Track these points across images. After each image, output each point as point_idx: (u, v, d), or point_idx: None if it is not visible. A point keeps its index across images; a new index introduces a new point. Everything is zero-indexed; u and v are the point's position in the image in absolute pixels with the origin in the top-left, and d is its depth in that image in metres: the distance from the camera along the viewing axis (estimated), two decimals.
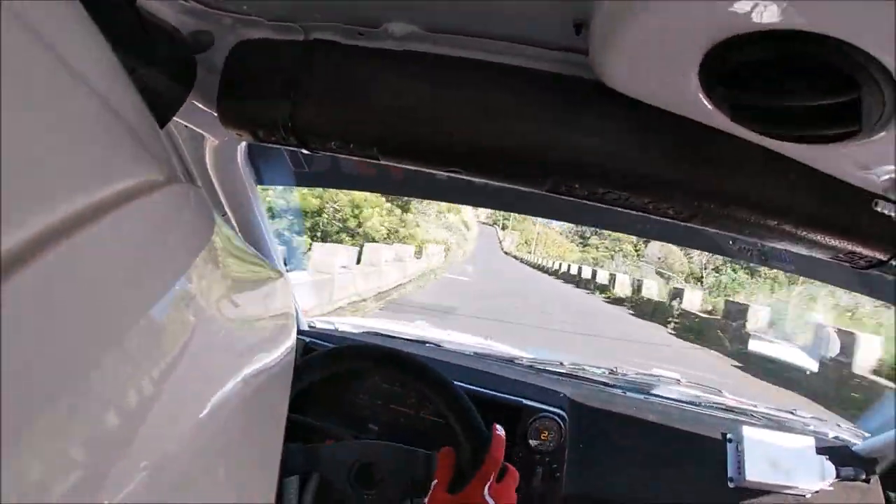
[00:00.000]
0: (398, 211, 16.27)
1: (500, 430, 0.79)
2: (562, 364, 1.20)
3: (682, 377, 1.24)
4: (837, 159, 0.47)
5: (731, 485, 0.95)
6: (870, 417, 1.12)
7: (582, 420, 1.02)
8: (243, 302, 0.34)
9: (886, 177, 0.47)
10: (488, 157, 0.52)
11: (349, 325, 1.28)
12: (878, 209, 0.49)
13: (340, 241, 12.45)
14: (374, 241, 13.14)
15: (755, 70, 0.39)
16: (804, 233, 0.50)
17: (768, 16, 0.33)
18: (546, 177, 0.52)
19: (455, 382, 0.84)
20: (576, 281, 20.77)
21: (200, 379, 0.23)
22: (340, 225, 13.89)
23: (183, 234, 0.26)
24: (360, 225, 14.26)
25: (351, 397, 1.07)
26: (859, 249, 0.52)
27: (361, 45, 0.56)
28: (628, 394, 1.12)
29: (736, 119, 0.42)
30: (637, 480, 0.98)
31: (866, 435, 1.05)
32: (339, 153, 0.57)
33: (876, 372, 6.63)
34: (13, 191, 0.14)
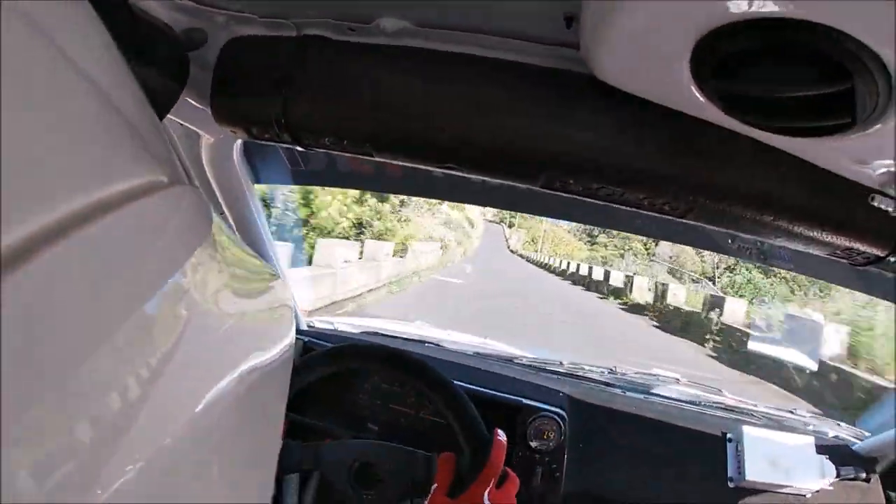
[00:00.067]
0: (373, 201, 12.82)
1: (501, 435, 0.79)
2: (561, 363, 1.20)
3: (681, 376, 1.23)
4: (832, 153, 0.46)
5: (730, 484, 0.94)
6: (870, 417, 1.12)
7: (581, 419, 1.02)
8: (240, 301, 0.34)
9: (883, 171, 0.46)
10: (482, 152, 0.52)
11: (348, 324, 1.28)
12: (875, 204, 0.49)
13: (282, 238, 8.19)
14: (330, 235, 10.54)
15: (746, 61, 0.38)
16: (800, 228, 0.50)
17: (758, 4, 0.33)
18: (540, 172, 0.52)
19: (455, 382, 0.84)
20: (585, 282, 18.85)
21: (196, 377, 0.24)
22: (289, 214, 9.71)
23: (181, 236, 0.26)
24: (312, 215, 10.88)
25: (350, 397, 1.07)
26: (857, 245, 0.51)
27: (353, 40, 0.56)
28: (628, 393, 1.11)
29: (728, 111, 0.41)
30: (636, 480, 0.97)
31: (866, 434, 1.04)
32: (333, 150, 0.57)
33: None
34: (14, 189, 0.14)
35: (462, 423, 0.80)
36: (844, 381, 6.58)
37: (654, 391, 1.15)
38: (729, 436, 0.99)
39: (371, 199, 12.61)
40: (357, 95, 0.53)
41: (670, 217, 0.53)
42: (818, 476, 0.92)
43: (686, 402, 1.12)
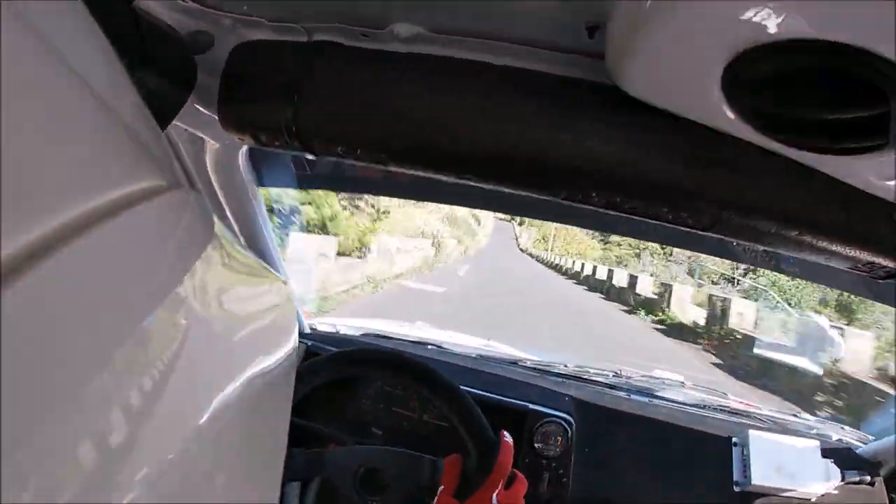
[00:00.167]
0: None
1: (508, 437, 0.78)
2: (566, 366, 1.20)
3: (686, 379, 1.23)
4: (860, 170, 0.46)
5: (736, 489, 0.94)
6: (874, 421, 1.12)
7: (587, 422, 1.02)
8: (242, 306, 0.34)
9: None
10: (502, 164, 0.50)
11: (350, 326, 1.27)
12: None
13: None
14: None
15: (779, 80, 0.37)
16: (824, 244, 0.49)
17: (793, 25, 0.32)
18: (563, 185, 0.51)
19: (459, 386, 0.83)
20: (604, 290, 14.88)
21: (200, 384, 0.24)
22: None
23: (183, 241, 0.26)
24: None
25: (353, 401, 1.06)
26: (879, 260, 0.51)
27: (367, 46, 0.54)
28: (633, 396, 1.11)
29: (760, 129, 0.40)
30: (642, 484, 0.97)
31: (870, 438, 1.05)
32: (346, 159, 0.56)
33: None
34: (11, 196, 0.13)
35: (468, 426, 0.80)
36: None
37: (658, 394, 1.15)
38: (734, 440, 0.99)
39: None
40: (372, 104, 0.52)
41: (692, 230, 0.52)
42: (823, 480, 0.92)
43: (691, 405, 1.12)
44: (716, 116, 0.42)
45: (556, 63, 0.50)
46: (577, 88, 0.49)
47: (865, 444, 1.03)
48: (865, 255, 0.50)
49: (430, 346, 1.22)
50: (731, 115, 0.40)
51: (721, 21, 0.34)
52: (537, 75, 0.50)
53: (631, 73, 0.43)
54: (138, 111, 0.28)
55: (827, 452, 0.95)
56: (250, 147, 0.77)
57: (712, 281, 17.67)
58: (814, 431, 1.07)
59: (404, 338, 1.26)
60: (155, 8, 0.54)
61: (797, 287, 11.75)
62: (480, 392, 1.00)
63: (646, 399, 1.11)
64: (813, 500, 0.93)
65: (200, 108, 0.61)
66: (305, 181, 0.96)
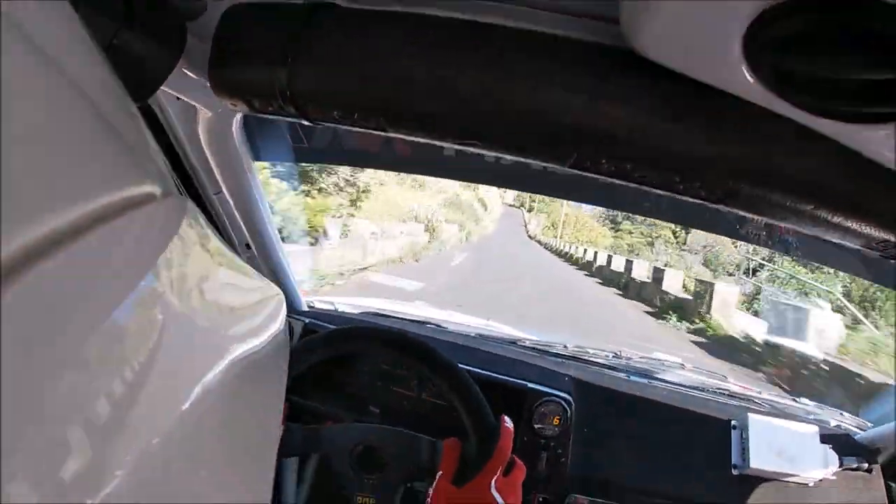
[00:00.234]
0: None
1: (508, 423, 0.77)
2: (565, 346, 1.19)
3: (685, 361, 1.23)
4: (880, 141, 0.43)
5: (734, 472, 0.94)
6: (872, 407, 1.12)
7: (586, 402, 1.01)
8: (223, 295, 0.35)
9: None
10: (508, 128, 0.48)
11: (348, 305, 1.26)
12: None
13: None
14: None
15: (802, 41, 0.35)
16: (839, 219, 0.47)
17: None
18: (571, 151, 0.48)
19: (458, 364, 0.82)
20: (620, 284, 12.86)
21: (183, 370, 0.24)
22: None
23: (169, 247, 0.27)
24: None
25: (351, 379, 1.05)
26: (893, 237, 0.49)
27: (366, 7, 0.51)
28: (632, 378, 1.11)
29: (781, 93, 0.38)
30: (640, 465, 0.97)
31: (868, 424, 1.05)
32: (342, 124, 0.53)
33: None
34: (12, 198, 0.14)
35: (469, 409, 0.79)
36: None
37: (658, 376, 1.14)
38: (734, 423, 0.98)
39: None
40: (370, 65, 0.49)
41: (704, 203, 0.50)
42: (821, 465, 0.92)
43: (690, 387, 1.11)
44: (734, 79, 0.39)
45: (568, 25, 0.48)
46: (589, 50, 0.46)
47: (864, 430, 1.02)
48: (881, 233, 0.48)
49: (429, 325, 1.21)
50: (750, 78, 0.38)
51: None
52: (547, 37, 0.47)
53: (646, 34, 0.40)
54: (129, 119, 0.29)
55: (825, 438, 0.95)
56: (244, 116, 0.74)
57: (728, 272, 17.05)
58: (812, 417, 1.07)
59: (403, 316, 1.25)
60: None
61: (818, 279, 10.94)
62: (479, 370, 0.99)
63: (645, 381, 1.11)
64: (810, 484, 0.93)
65: (191, 74, 0.59)
66: (302, 154, 0.93)
